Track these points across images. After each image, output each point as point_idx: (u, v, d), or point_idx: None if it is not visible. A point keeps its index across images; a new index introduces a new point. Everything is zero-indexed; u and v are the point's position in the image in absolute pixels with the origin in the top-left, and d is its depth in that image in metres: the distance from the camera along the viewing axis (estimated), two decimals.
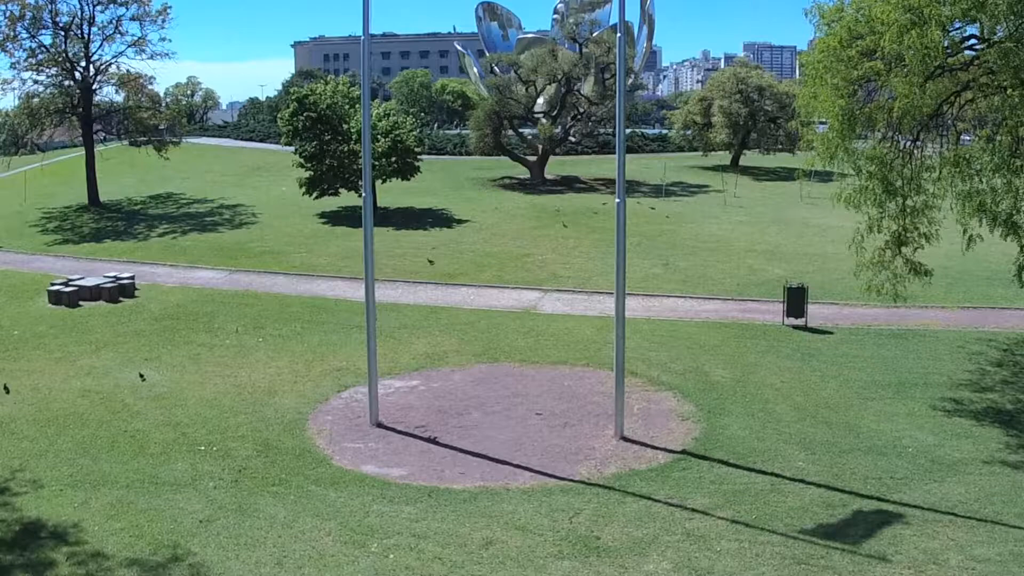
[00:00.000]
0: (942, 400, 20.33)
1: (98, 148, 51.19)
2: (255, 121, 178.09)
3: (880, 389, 21.04)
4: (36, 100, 48.49)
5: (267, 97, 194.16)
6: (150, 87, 52.45)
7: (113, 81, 51.61)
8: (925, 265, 19.81)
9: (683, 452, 17.43)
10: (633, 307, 27.00)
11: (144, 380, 21.65)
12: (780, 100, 61.49)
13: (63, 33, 49.27)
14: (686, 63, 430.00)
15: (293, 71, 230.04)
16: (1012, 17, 14.64)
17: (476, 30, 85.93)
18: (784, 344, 24.45)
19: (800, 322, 26.04)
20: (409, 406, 20.12)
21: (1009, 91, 15.25)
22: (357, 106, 43.70)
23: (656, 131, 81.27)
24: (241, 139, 78.37)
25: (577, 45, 56.04)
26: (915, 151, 18.97)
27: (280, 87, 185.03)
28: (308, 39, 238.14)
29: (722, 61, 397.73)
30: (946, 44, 15.33)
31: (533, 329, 25.76)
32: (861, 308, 27.38)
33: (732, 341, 24.76)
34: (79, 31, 49.49)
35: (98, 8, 49.62)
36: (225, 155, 69.14)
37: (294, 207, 45.97)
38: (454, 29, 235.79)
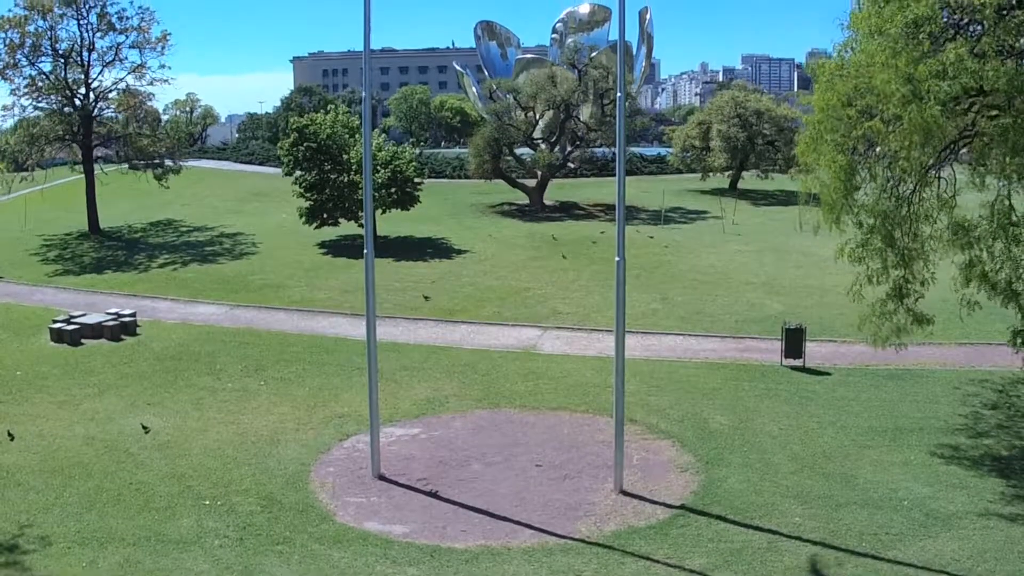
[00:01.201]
0: (938, 447, 20.52)
1: (97, 172, 51.41)
2: (254, 138, 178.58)
3: (877, 436, 21.24)
4: (36, 129, 48.85)
5: (266, 113, 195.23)
6: (149, 104, 52.92)
7: (113, 107, 52.02)
8: (927, 314, 20.01)
9: (682, 507, 17.62)
10: (632, 346, 27.13)
11: (147, 432, 21.78)
12: (778, 123, 61.95)
13: (63, 60, 49.69)
14: (684, 75, 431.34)
15: (292, 86, 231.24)
16: (1012, 92, 14.92)
17: (473, 45, 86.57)
18: (782, 387, 24.66)
19: (798, 363, 26.27)
20: (410, 456, 20.31)
21: (1008, 160, 15.55)
22: (357, 136, 44.04)
23: (654, 151, 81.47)
24: (240, 162, 78.76)
25: (576, 71, 56.40)
26: (913, 197, 19.19)
27: (279, 103, 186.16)
28: (307, 54, 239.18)
29: (720, 74, 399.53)
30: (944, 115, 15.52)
31: (533, 371, 25.96)
32: (859, 346, 27.41)
33: (731, 383, 24.97)
34: (79, 58, 49.92)
35: (97, 35, 50.13)
36: (224, 180, 69.44)
37: (294, 236, 46.20)
38: (452, 44, 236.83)
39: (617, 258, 17.20)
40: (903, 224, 18.89)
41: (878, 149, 18.64)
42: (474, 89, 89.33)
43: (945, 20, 15.36)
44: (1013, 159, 15.27)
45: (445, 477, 19.20)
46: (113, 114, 52.61)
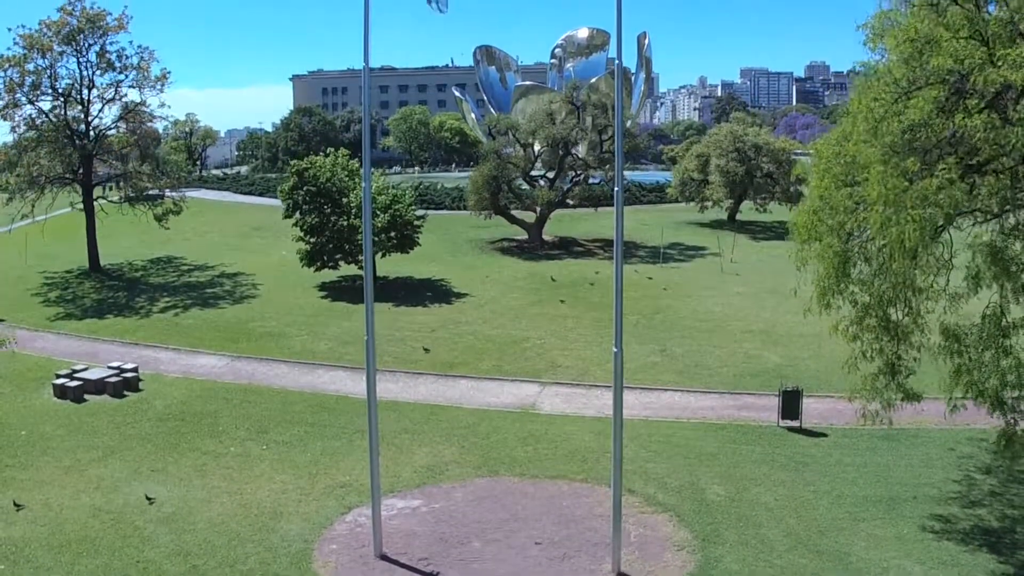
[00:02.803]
0: (932, 518, 20.80)
1: (97, 210, 51.75)
2: (253, 157, 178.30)
3: (871, 507, 21.51)
4: (36, 168, 49.25)
5: (265, 133, 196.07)
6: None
7: (112, 132, 52.17)
8: (916, 391, 20.30)
9: None
10: (631, 404, 27.55)
11: (152, 503, 22.01)
12: (776, 157, 62.37)
13: (63, 99, 50.13)
14: (683, 90, 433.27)
15: (291, 103, 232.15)
16: (1001, 208, 15.37)
17: (472, 64, 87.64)
18: (779, 451, 24.93)
19: (795, 424, 26.57)
20: (411, 532, 20.55)
21: (997, 275, 16.02)
22: (357, 179, 44.45)
23: (653, 179, 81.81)
24: (241, 193, 79.10)
25: (575, 107, 56.83)
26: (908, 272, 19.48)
27: (279, 122, 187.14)
28: (306, 73, 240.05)
29: (719, 88, 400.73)
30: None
31: (532, 434, 26.21)
32: (855, 402, 27.75)
33: (728, 447, 25.25)
34: (78, 96, 50.36)
35: (97, 72, 50.64)
36: (224, 213, 69.80)
37: (294, 277, 46.45)
38: (451, 62, 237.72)
39: (615, 349, 17.48)
40: (897, 300, 19.21)
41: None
42: (472, 115, 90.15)
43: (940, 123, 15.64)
44: (1002, 277, 15.72)
45: (446, 556, 19.44)
46: (114, 135, 52.91)
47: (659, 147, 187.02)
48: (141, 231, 56.18)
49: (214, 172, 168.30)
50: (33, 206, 49.60)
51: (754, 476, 23.33)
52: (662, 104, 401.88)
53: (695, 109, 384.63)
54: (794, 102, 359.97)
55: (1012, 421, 18.24)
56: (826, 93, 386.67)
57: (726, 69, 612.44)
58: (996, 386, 17.22)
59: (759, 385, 30.37)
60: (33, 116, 50.08)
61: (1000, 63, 14.15)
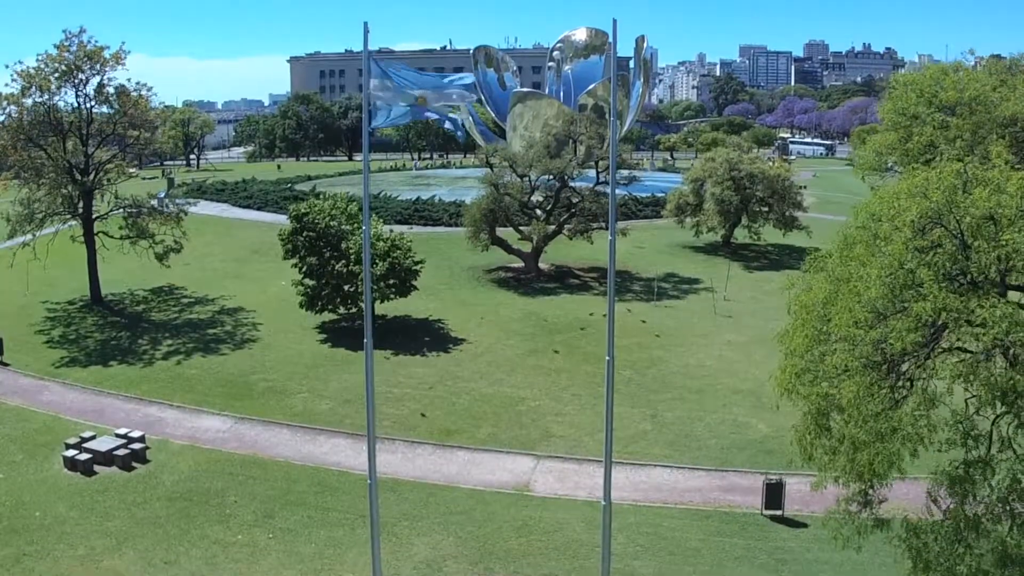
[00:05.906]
0: None
1: (99, 238, 52.43)
2: (251, 138, 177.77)
3: None
4: (36, 204, 49.92)
5: (263, 116, 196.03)
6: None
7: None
8: (887, 519, 21.37)
9: None
10: (621, 484, 28.77)
11: None
12: (771, 184, 63.24)
13: (62, 135, 50.67)
14: (681, 67, 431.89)
15: (289, 86, 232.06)
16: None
17: (470, 45, 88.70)
18: (760, 545, 26.12)
19: (777, 512, 27.73)
20: None
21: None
22: (355, 225, 45.27)
23: (648, 190, 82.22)
24: (239, 206, 79.58)
25: (572, 141, 57.56)
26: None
27: (276, 109, 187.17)
28: (304, 55, 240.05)
29: (718, 67, 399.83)
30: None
31: (526, 523, 27.29)
32: (836, 487, 28.83)
33: (713, 540, 26.43)
34: (78, 132, 50.92)
35: (94, 106, 51.18)
36: (224, 232, 70.30)
37: (293, 314, 46.99)
38: (449, 43, 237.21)
39: (604, 502, 18.49)
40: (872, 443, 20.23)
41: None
42: (471, 119, 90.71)
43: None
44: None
45: None
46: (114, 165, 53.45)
47: (656, 136, 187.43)
48: (142, 255, 56.62)
49: (211, 159, 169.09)
50: (35, 235, 50.32)
51: None
52: (660, 81, 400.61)
53: (693, 87, 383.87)
54: (792, 82, 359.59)
55: None
56: (824, 73, 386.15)
57: (725, 47, 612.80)
58: None
59: (745, 460, 31.53)
60: (32, 156, 50.41)
61: (975, 318, 15.08)
